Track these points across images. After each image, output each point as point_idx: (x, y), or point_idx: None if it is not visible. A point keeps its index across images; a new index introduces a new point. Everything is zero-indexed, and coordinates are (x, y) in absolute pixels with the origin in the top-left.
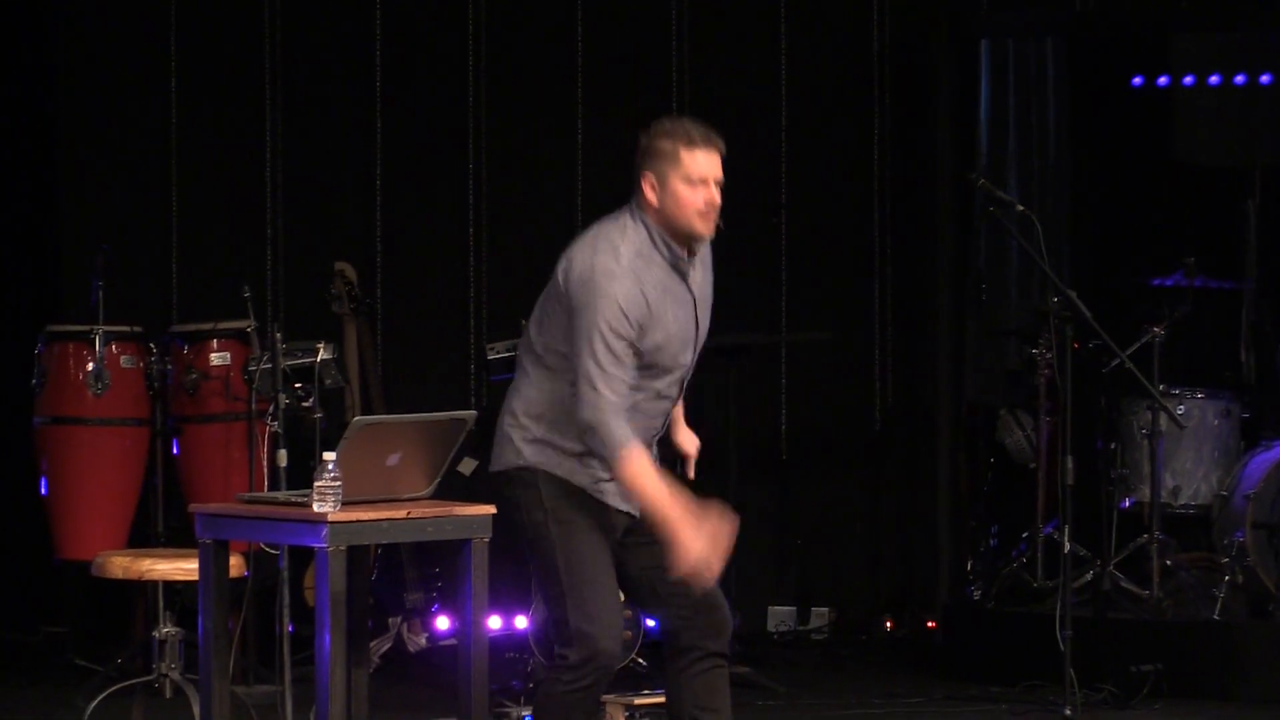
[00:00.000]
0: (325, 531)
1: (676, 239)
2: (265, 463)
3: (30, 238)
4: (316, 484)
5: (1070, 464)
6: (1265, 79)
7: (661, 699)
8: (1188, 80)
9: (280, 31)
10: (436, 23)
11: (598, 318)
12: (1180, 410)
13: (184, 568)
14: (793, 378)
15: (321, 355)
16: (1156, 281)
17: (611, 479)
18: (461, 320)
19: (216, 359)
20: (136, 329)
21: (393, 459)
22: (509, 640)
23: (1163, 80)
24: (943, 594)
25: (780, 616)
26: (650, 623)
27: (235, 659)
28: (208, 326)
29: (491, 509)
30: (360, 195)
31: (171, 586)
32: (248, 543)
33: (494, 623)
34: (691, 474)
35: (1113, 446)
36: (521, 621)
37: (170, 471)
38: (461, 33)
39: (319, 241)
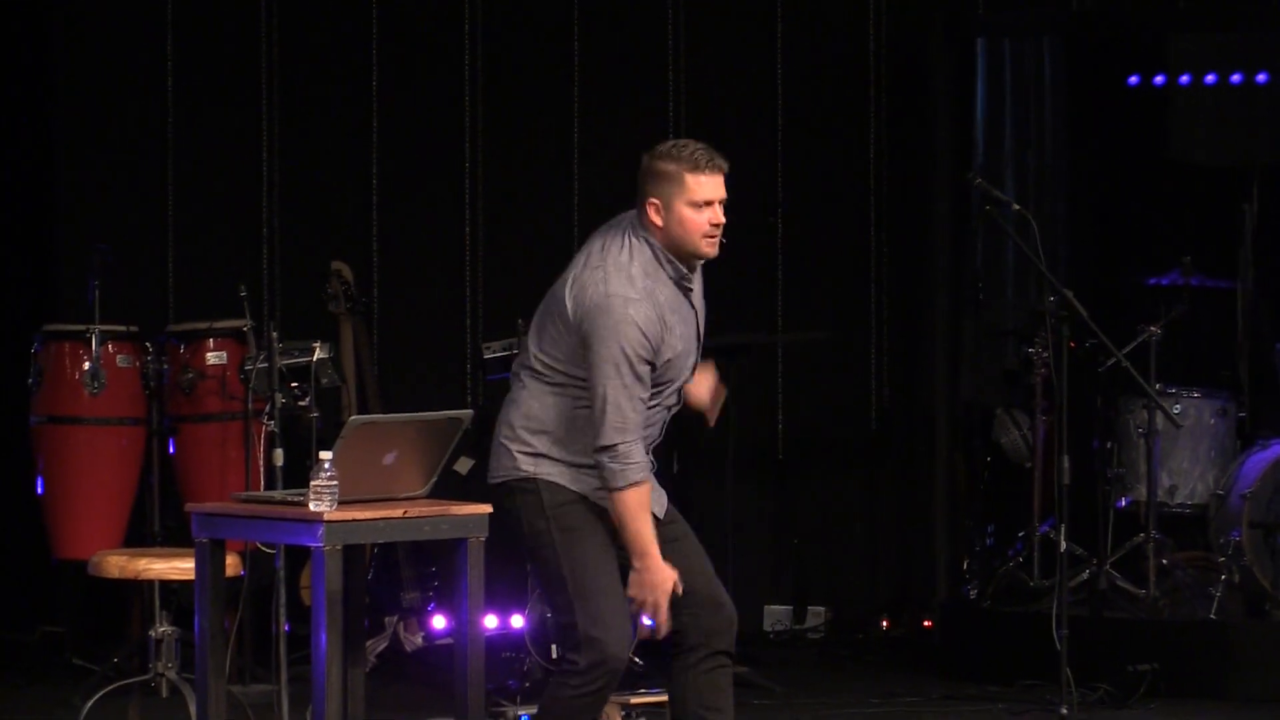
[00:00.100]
0: (321, 531)
1: (680, 258)
2: (261, 462)
3: (27, 237)
4: (313, 483)
5: (1066, 463)
6: (1261, 78)
7: (658, 698)
8: (1184, 80)
9: (277, 31)
10: (433, 22)
11: (622, 344)
12: (1177, 409)
13: (180, 567)
14: (789, 377)
15: (318, 354)
16: (1153, 281)
17: None
18: (458, 320)
19: (213, 358)
20: (133, 328)
21: (389, 458)
22: (505, 639)
23: (1159, 79)
24: (939, 593)
25: (777, 616)
26: (646, 621)
27: (231, 658)
28: (204, 326)
29: (487, 508)
30: (357, 195)
31: (168, 586)
32: (244, 542)
33: (490, 622)
34: (712, 422)
35: (1109, 446)
36: (518, 621)
37: (166, 471)
38: (458, 32)
39: (315, 241)
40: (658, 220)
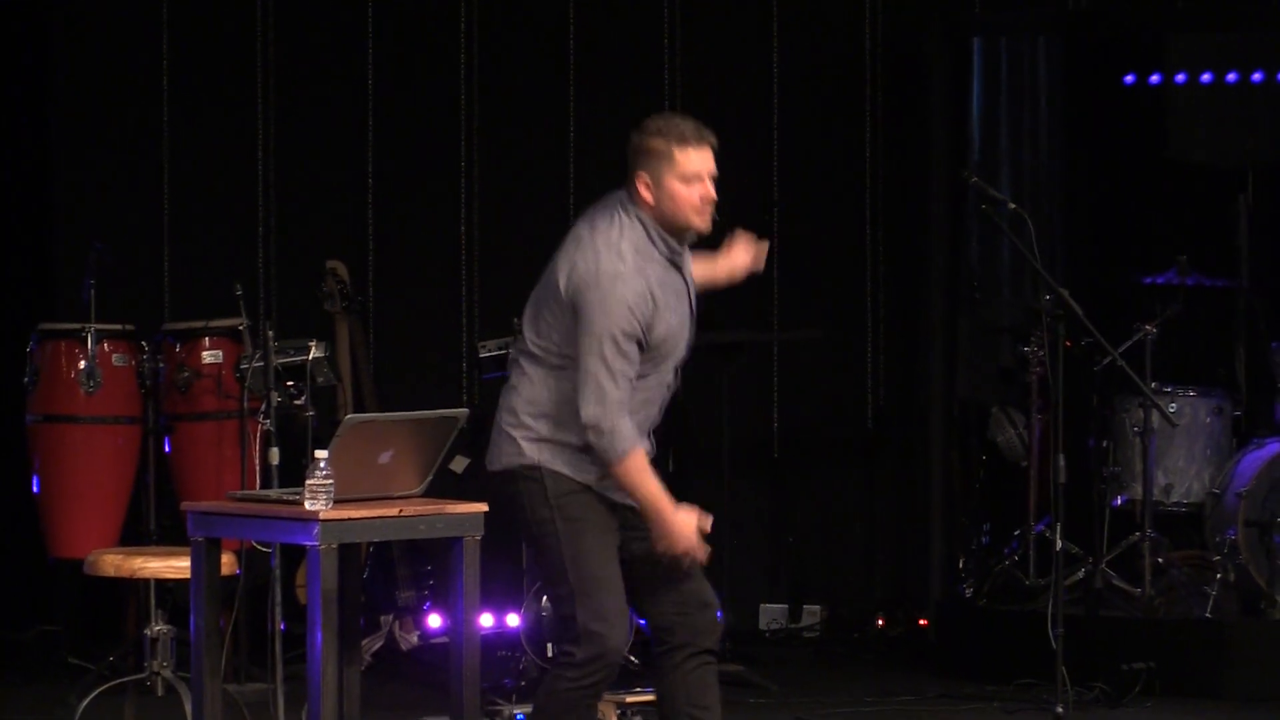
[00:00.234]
0: (317, 529)
1: (672, 234)
2: (257, 461)
3: (24, 236)
4: (308, 482)
5: (1062, 462)
6: (1257, 77)
7: (653, 697)
8: (1180, 78)
9: (273, 30)
10: (429, 21)
11: (608, 321)
12: (1172, 408)
13: (176, 566)
14: (785, 376)
15: (313, 353)
16: (1149, 279)
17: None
18: (453, 318)
19: (209, 357)
20: (129, 327)
21: (384, 457)
22: (501, 638)
23: (1155, 78)
24: (935, 592)
25: (772, 614)
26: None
27: (227, 657)
28: (200, 325)
29: (483, 507)
30: (352, 193)
31: (163, 584)
32: (240, 541)
33: (486, 621)
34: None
35: (1105, 444)
36: (513, 619)
37: (162, 469)
38: (454, 31)
39: (311, 240)
40: (648, 196)
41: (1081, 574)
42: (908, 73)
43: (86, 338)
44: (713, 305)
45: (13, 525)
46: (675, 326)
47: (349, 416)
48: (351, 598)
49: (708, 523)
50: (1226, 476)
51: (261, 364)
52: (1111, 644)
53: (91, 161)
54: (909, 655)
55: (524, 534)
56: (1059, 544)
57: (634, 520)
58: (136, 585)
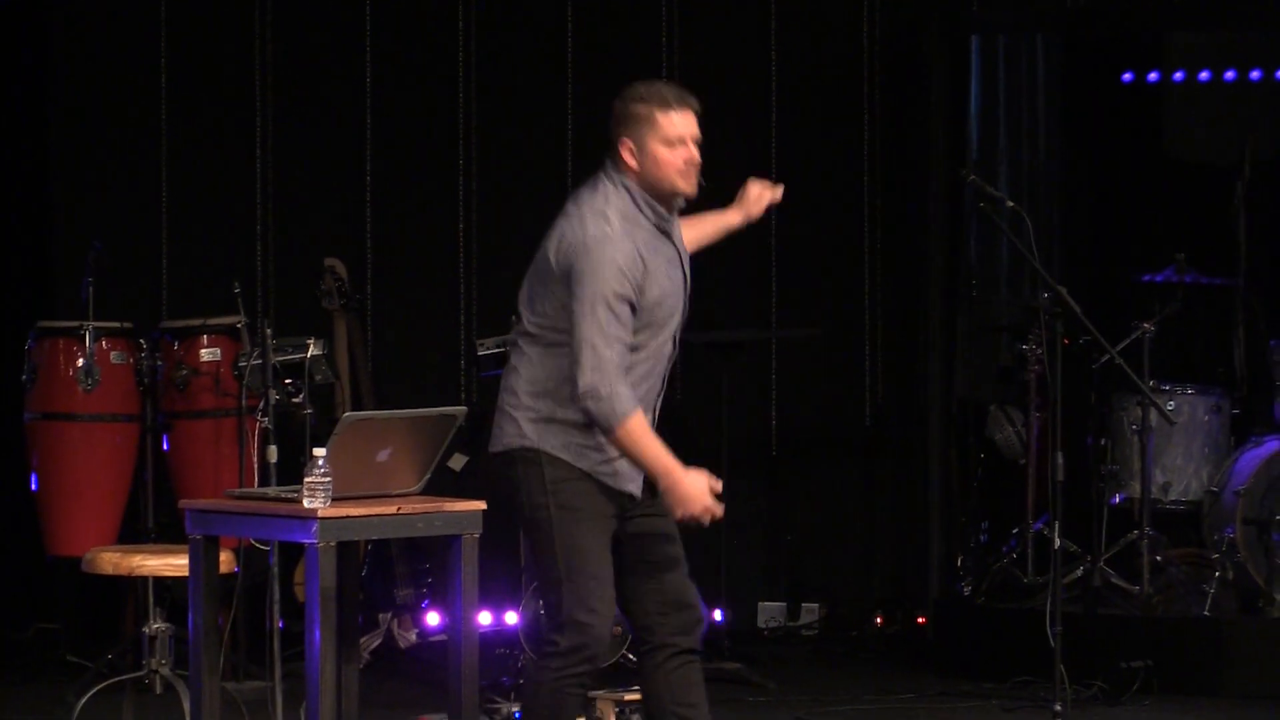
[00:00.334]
0: (315, 527)
1: (658, 200)
2: (255, 458)
3: (22, 235)
4: (306, 480)
5: (1060, 460)
6: (1255, 75)
7: None
8: (1178, 76)
9: (271, 29)
10: (427, 19)
11: (600, 284)
12: (1171, 406)
13: (174, 564)
14: (783, 374)
15: (312, 351)
16: (1147, 277)
17: (615, 459)
18: (452, 316)
19: (207, 355)
20: (127, 325)
21: (383, 455)
22: (499, 636)
23: (1153, 76)
24: (933, 590)
25: (771, 612)
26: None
27: (225, 655)
28: (198, 322)
29: (481, 504)
30: (351, 191)
31: (161, 582)
32: (238, 539)
33: (484, 618)
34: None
35: (1103, 442)
36: (512, 617)
37: (160, 467)
38: (452, 29)
39: (309, 237)
40: (632, 162)
41: (1080, 572)
42: (906, 71)
43: (85, 335)
44: (712, 304)
45: (11, 523)
46: (669, 291)
47: (347, 414)
48: (350, 596)
49: (718, 484)
50: (1225, 474)
51: (260, 362)
52: (1110, 642)
53: (90, 160)
54: (907, 653)
55: (519, 518)
56: (1057, 542)
57: (632, 507)
58: (135, 583)
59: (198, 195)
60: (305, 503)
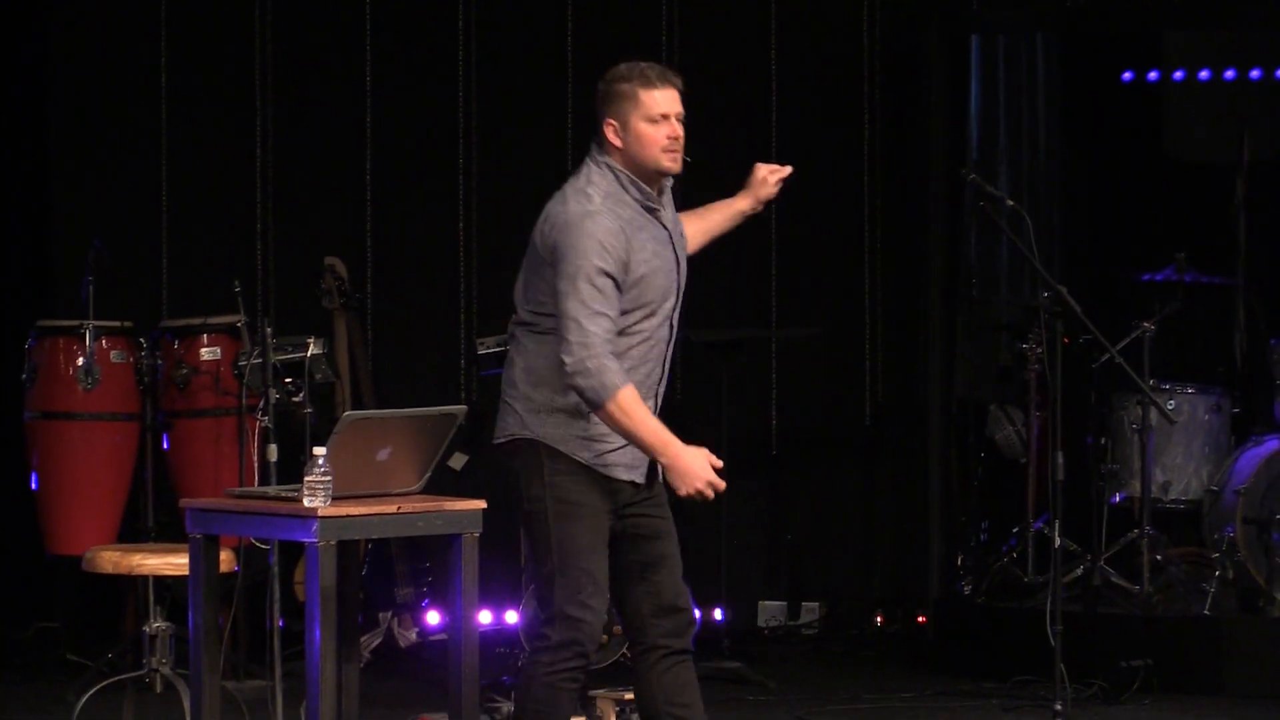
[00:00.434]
0: (315, 526)
1: (645, 179)
2: (255, 458)
3: (22, 234)
4: (307, 479)
5: (1060, 459)
6: (1255, 74)
7: None
8: (1178, 75)
9: (271, 28)
10: (427, 19)
11: (580, 259)
12: (1171, 405)
13: (174, 563)
14: (783, 373)
15: (312, 350)
16: (1147, 277)
17: (614, 450)
18: (452, 315)
19: (207, 354)
20: (127, 324)
21: (383, 454)
22: (499, 635)
23: (1153, 75)
24: (933, 589)
25: (771, 611)
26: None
27: (226, 654)
28: (198, 321)
29: (482, 504)
30: (351, 190)
31: (162, 581)
32: (238, 538)
33: (484, 618)
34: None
35: (1103, 442)
36: (512, 616)
37: (160, 466)
38: (452, 29)
39: (309, 237)
40: (617, 141)
41: (1080, 571)
42: (906, 70)
43: (85, 334)
44: (712, 304)
45: (11, 522)
46: (657, 270)
47: (347, 413)
48: (350, 595)
49: (718, 461)
50: (1225, 473)
51: (260, 361)
52: (1110, 641)
53: (90, 159)
54: (908, 652)
55: (517, 509)
56: (1057, 541)
57: (632, 499)
58: (135, 582)
59: (198, 195)
60: (305, 502)
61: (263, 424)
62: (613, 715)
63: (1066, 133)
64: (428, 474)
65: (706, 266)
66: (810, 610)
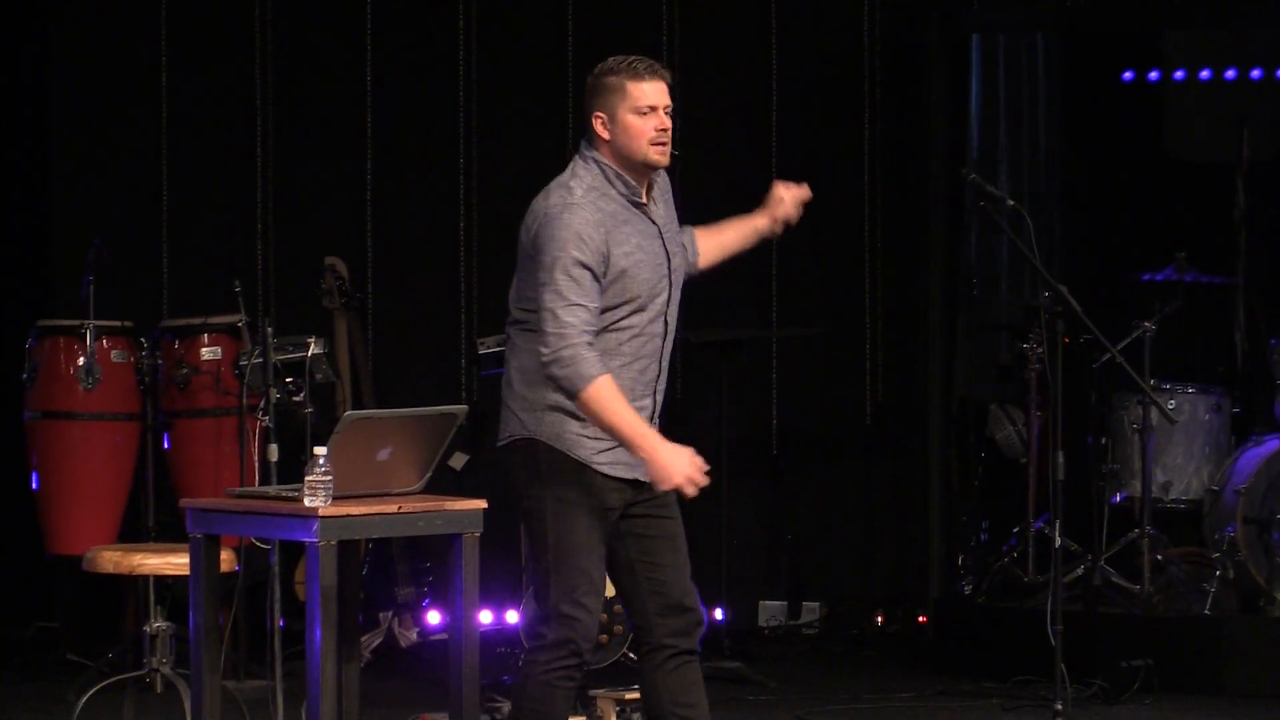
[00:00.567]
0: (316, 526)
1: (633, 172)
2: (256, 457)
3: (22, 233)
4: (307, 479)
5: (1061, 459)
6: (1256, 74)
7: None
8: (1178, 75)
9: (271, 27)
10: (428, 18)
11: (558, 250)
12: (1171, 405)
13: (175, 562)
14: (784, 372)
15: (312, 350)
16: (1147, 276)
17: (612, 448)
18: (452, 315)
19: (207, 354)
20: (127, 324)
21: (383, 454)
22: (500, 635)
23: (1153, 75)
24: (934, 589)
25: (771, 611)
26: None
27: (226, 654)
28: (198, 321)
29: (482, 503)
30: (351, 190)
31: (162, 581)
32: (239, 538)
33: (485, 617)
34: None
35: (1103, 441)
36: (512, 616)
37: (161, 466)
38: (452, 28)
39: (310, 236)
40: (605, 134)
41: (1080, 571)
42: (906, 70)
43: (85, 334)
44: (712, 304)
45: (11, 522)
46: (644, 263)
47: (348, 413)
48: (351, 594)
49: (701, 461)
50: (1225, 473)
51: (260, 360)
52: (1110, 641)
53: (90, 158)
54: (908, 652)
55: (516, 506)
56: (1058, 541)
57: (636, 498)
58: (135, 582)
59: (198, 194)
60: (306, 501)
61: (263, 424)
62: (613, 715)
63: (1066, 132)
64: (428, 474)
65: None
66: (810, 610)
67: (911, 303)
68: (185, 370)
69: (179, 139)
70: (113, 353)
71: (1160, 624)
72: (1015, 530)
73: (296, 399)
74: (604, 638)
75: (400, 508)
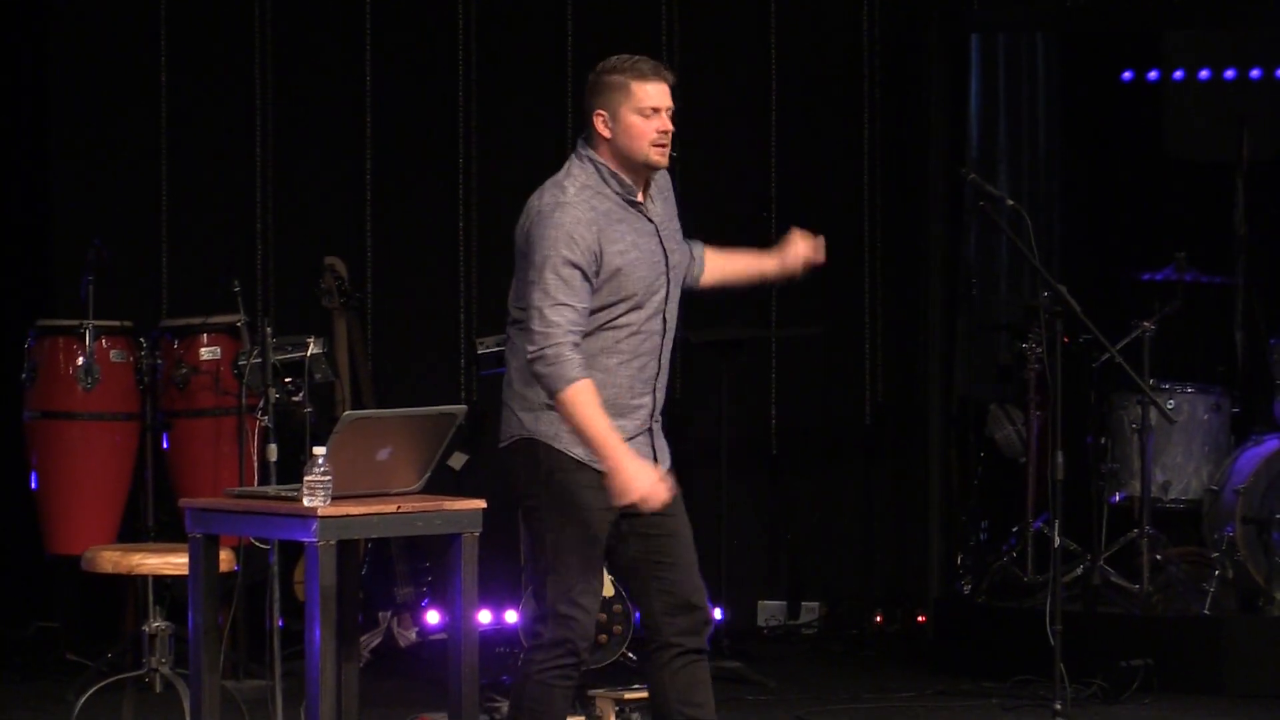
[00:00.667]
0: (315, 526)
1: (630, 172)
2: (255, 457)
3: (22, 233)
4: (306, 478)
5: (1060, 459)
6: (1255, 74)
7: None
8: (1178, 75)
9: (270, 27)
10: (427, 18)
11: (548, 249)
12: (1171, 405)
13: (174, 562)
14: (783, 372)
15: (312, 350)
16: (1147, 276)
17: None
18: (451, 315)
19: (206, 354)
20: (126, 324)
21: (383, 454)
22: (499, 635)
23: (1153, 75)
24: (933, 588)
25: (771, 611)
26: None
27: (225, 654)
28: (198, 321)
29: (481, 503)
30: (351, 190)
31: (162, 581)
32: (238, 537)
33: (484, 617)
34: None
35: (1103, 441)
36: (512, 616)
37: (160, 466)
38: (452, 28)
39: (309, 236)
40: (606, 132)
41: (1080, 571)
42: (906, 70)
43: (84, 334)
44: (712, 304)
45: (11, 522)
46: (639, 261)
47: (347, 413)
48: (350, 594)
49: (669, 482)
50: (1224, 473)
51: (259, 360)
52: (1109, 641)
53: (90, 158)
54: (907, 652)
55: (518, 505)
56: (1057, 541)
57: (635, 509)
58: (135, 582)
59: (197, 195)
60: (305, 501)
61: (262, 424)
62: (612, 715)
63: (1066, 132)
64: (427, 474)
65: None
66: (810, 610)
67: (911, 303)
68: (184, 370)
69: (178, 139)
70: (112, 352)
71: (1159, 624)
72: (1015, 530)
73: (296, 399)
74: (603, 638)
75: (399, 507)
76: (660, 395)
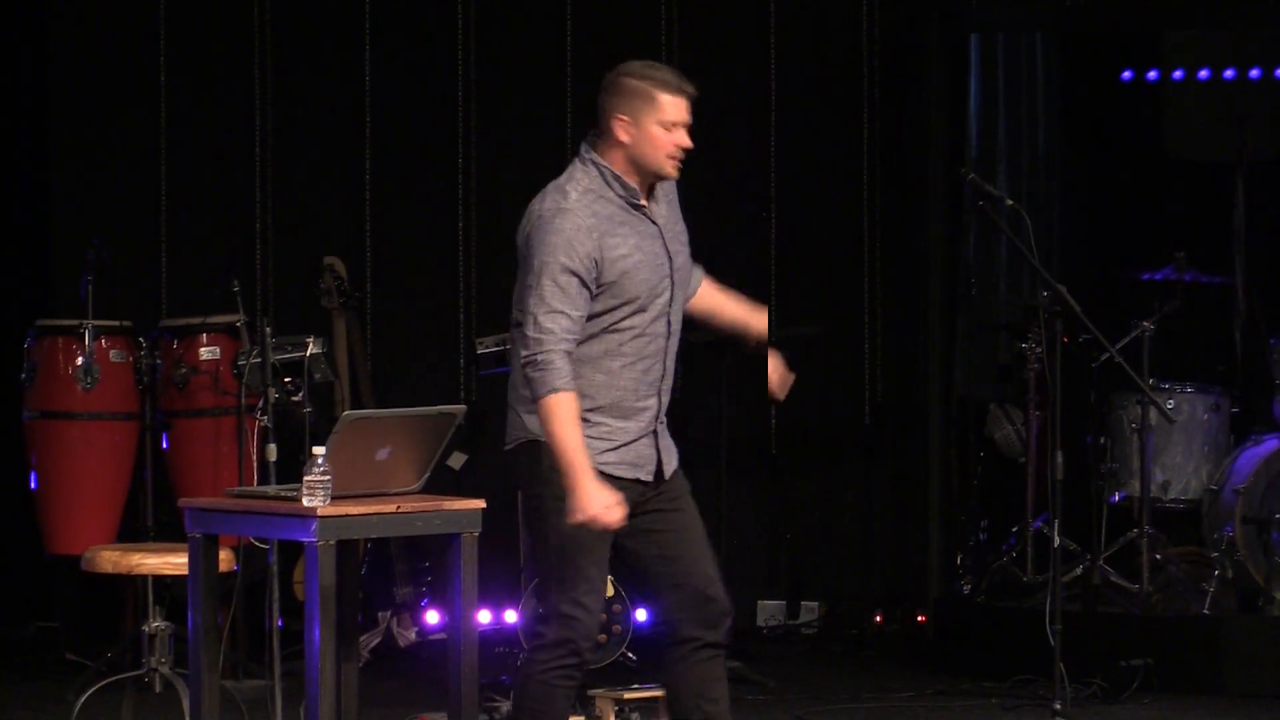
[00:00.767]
0: (315, 526)
1: (636, 176)
2: (255, 457)
3: (21, 233)
4: (306, 478)
5: (1060, 458)
6: (1254, 74)
7: (651, 693)
8: (1177, 75)
9: (270, 26)
10: (427, 18)
11: (547, 255)
12: (1170, 404)
13: (173, 562)
14: None
15: (311, 350)
16: (1147, 276)
17: (613, 449)
18: (451, 315)
19: (206, 354)
20: (126, 324)
21: (382, 453)
22: (499, 635)
23: (1152, 75)
24: (933, 588)
25: (770, 611)
26: (641, 615)
27: (225, 653)
28: (197, 321)
29: (481, 503)
30: (350, 190)
31: (161, 581)
32: (237, 537)
33: (484, 617)
34: (780, 397)
35: (1102, 441)
36: (511, 616)
37: (160, 466)
38: (451, 28)
39: (308, 236)
40: (624, 137)
41: (1079, 570)
42: (906, 70)
43: (84, 334)
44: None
45: (10, 522)
46: (643, 265)
47: (346, 413)
48: (349, 594)
49: (622, 511)
50: (1224, 473)
51: (259, 360)
52: (1109, 640)
53: (89, 158)
54: (907, 652)
55: (522, 506)
56: (1057, 540)
57: (644, 497)
58: (134, 582)
59: (197, 194)
60: (305, 501)
61: (262, 423)
62: (611, 715)
63: (1066, 132)
64: (427, 473)
65: (706, 267)
66: (810, 610)
67: (911, 303)
68: (184, 370)
69: (178, 139)
70: (111, 352)
71: (1159, 623)
72: (1014, 530)
73: (295, 399)
74: (603, 637)
75: (399, 507)
76: (666, 397)
